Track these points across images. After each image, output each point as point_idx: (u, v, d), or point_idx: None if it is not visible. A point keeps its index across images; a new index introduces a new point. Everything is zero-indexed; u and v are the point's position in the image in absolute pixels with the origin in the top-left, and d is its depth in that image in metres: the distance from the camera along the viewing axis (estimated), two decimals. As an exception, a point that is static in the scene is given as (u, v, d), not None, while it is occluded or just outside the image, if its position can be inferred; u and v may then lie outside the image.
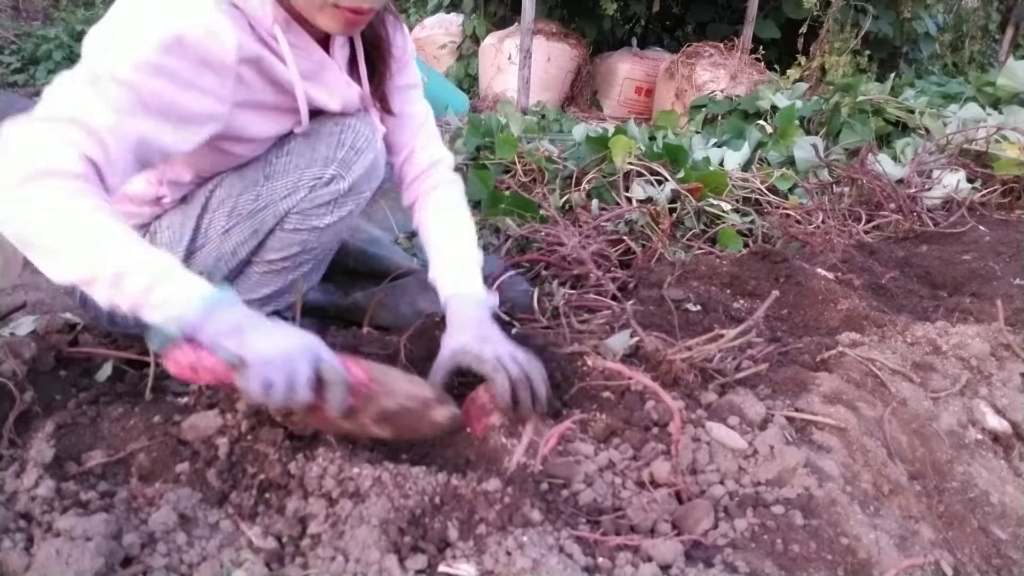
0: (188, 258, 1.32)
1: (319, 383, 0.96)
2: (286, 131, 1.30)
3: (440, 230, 1.41)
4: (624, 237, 2.26)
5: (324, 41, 1.26)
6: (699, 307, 1.72)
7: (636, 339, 1.36)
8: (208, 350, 0.96)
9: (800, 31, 6.20)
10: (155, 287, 0.95)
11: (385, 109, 1.40)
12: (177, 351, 0.98)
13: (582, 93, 6.88)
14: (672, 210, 2.45)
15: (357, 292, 1.71)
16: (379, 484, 1.01)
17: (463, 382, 1.31)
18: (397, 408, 1.03)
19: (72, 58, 5.70)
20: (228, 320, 0.97)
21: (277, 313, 1.46)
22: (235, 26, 1.09)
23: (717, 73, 5.94)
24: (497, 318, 1.64)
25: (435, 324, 1.43)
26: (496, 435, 1.13)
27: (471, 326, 1.23)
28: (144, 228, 1.34)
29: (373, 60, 1.35)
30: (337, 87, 1.30)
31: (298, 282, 1.40)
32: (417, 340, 1.40)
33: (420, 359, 1.34)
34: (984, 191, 2.96)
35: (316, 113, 1.30)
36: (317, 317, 1.65)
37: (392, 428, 1.04)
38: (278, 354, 0.94)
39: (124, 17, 1.03)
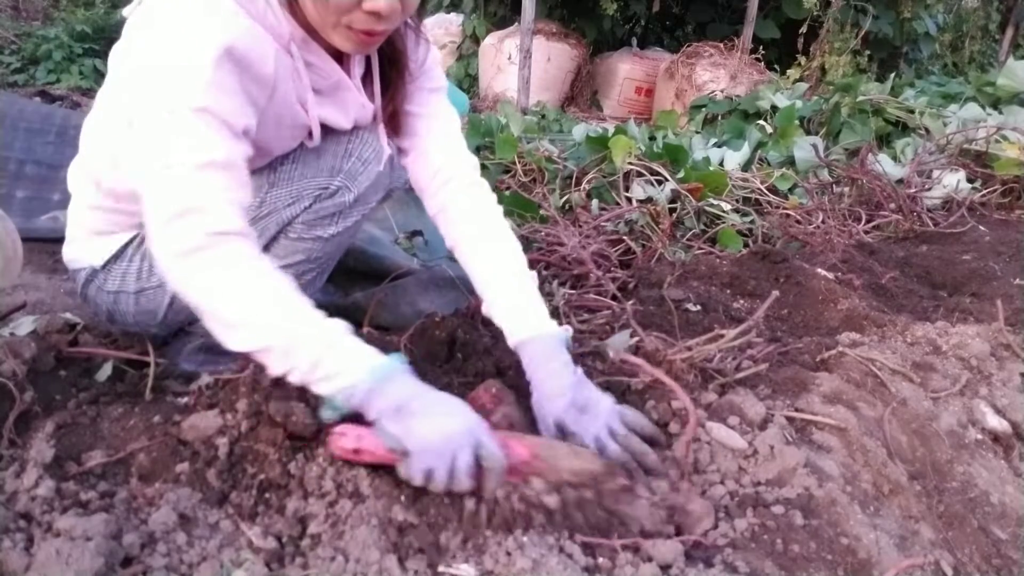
0: None
1: (478, 467, 0.96)
2: (295, 146, 1.28)
3: (486, 255, 1.31)
4: (624, 237, 2.26)
5: (341, 55, 1.21)
6: (699, 307, 1.72)
7: (636, 339, 1.36)
8: (370, 431, 0.97)
9: (800, 31, 6.21)
10: (322, 361, 0.97)
11: (394, 129, 1.35)
12: (340, 436, 0.99)
13: (582, 93, 6.89)
14: (672, 210, 2.45)
15: (357, 292, 1.71)
16: (379, 485, 1.01)
17: (463, 382, 1.31)
18: (559, 483, 1.01)
19: (72, 58, 5.69)
20: (393, 397, 0.97)
21: None
22: (269, 37, 1.08)
23: (717, 73, 5.95)
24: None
25: (435, 324, 1.43)
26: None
27: (563, 389, 1.16)
28: (139, 240, 1.31)
29: (389, 75, 1.31)
30: (351, 108, 1.27)
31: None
32: (417, 340, 1.40)
33: (420, 359, 1.34)
34: (984, 191, 2.96)
35: (326, 130, 1.27)
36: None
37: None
38: (440, 441, 0.95)
39: (166, 41, 1.01)
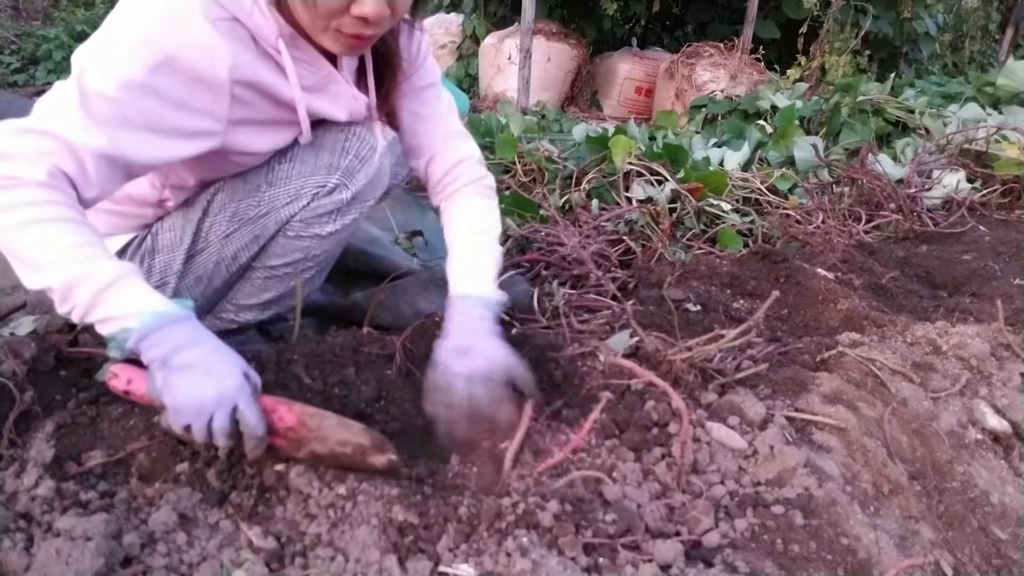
0: (188, 261, 1.31)
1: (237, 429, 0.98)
2: (288, 143, 1.28)
3: (457, 230, 1.37)
4: (624, 237, 2.26)
5: (332, 53, 1.22)
6: (699, 307, 1.72)
7: (636, 339, 1.36)
8: (142, 375, 0.99)
9: (800, 31, 6.20)
10: (99, 303, 0.96)
11: (391, 123, 1.36)
12: (113, 376, 1.01)
13: (582, 93, 6.88)
14: (672, 210, 2.45)
15: (357, 292, 1.71)
16: (379, 484, 1.01)
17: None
18: (327, 453, 1.01)
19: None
20: (165, 346, 0.97)
21: (279, 316, 1.46)
22: (230, 44, 1.06)
23: (717, 73, 5.94)
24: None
25: (435, 324, 1.43)
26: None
27: (457, 334, 1.22)
28: (146, 228, 1.33)
29: (382, 70, 1.32)
30: (344, 100, 1.28)
31: (297, 287, 1.40)
32: (417, 340, 1.39)
33: (420, 359, 1.34)
34: (984, 191, 2.96)
35: (321, 123, 1.28)
36: (317, 317, 1.65)
37: (329, 466, 1.03)
38: (194, 403, 0.95)
39: (117, 31, 1.01)
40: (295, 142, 1.28)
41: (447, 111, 1.43)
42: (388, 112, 1.35)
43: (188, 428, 0.96)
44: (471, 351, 1.18)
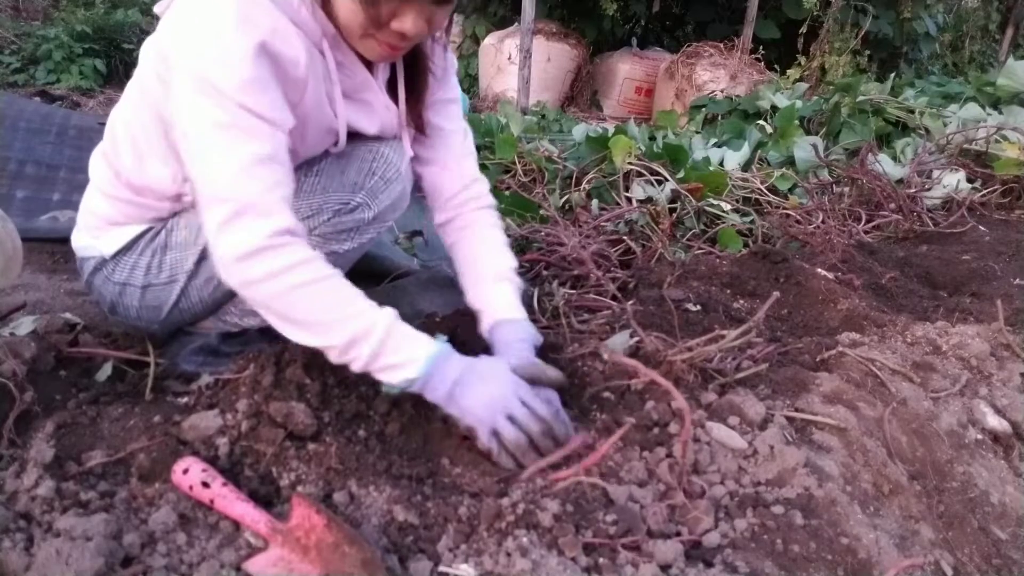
0: (200, 262, 1.28)
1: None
2: (322, 150, 1.28)
3: (491, 265, 1.38)
4: (624, 237, 2.26)
5: (367, 60, 1.25)
6: (699, 307, 1.72)
7: (636, 339, 1.36)
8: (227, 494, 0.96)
9: (800, 31, 6.21)
10: (380, 354, 1.07)
11: (420, 129, 1.38)
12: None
13: (582, 93, 6.89)
14: (672, 210, 2.45)
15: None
16: (379, 484, 1.01)
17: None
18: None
19: (72, 58, 5.68)
20: (446, 382, 1.09)
21: None
22: (298, 36, 1.11)
23: (717, 73, 5.95)
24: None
25: (435, 324, 1.43)
26: None
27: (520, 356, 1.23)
28: (161, 222, 1.31)
29: (413, 79, 1.33)
30: (376, 110, 1.30)
31: None
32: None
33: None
34: (984, 191, 2.95)
35: (352, 136, 1.29)
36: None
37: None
38: (482, 405, 1.08)
39: (205, 36, 1.04)
40: (325, 155, 1.29)
41: (466, 131, 1.46)
42: (417, 124, 1.37)
43: (496, 433, 1.08)
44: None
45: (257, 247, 1.02)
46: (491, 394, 1.09)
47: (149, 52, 1.18)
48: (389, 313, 1.09)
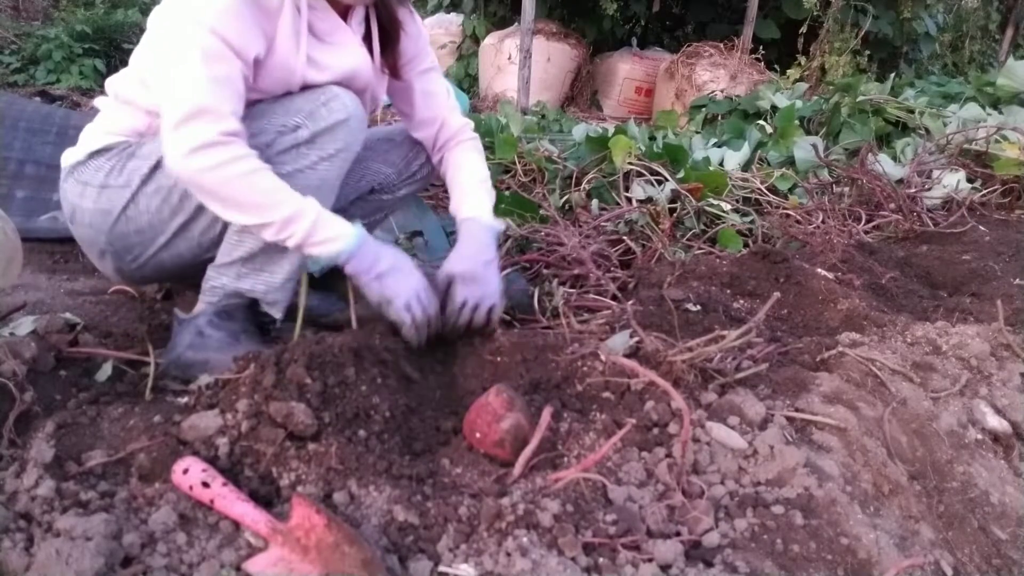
0: (155, 170, 1.38)
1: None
2: (283, 91, 1.40)
3: (463, 176, 1.65)
4: (624, 237, 2.26)
5: (343, 16, 1.44)
6: (699, 307, 1.72)
7: (636, 339, 1.36)
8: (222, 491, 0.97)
9: (800, 31, 6.20)
10: (315, 231, 1.28)
11: (394, 74, 1.58)
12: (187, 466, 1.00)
13: (582, 93, 6.88)
14: (672, 210, 2.45)
15: (356, 305, 1.69)
16: (379, 484, 1.01)
17: (464, 381, 1.31)
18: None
19: (72, 58, 5.68)
20: (366, 259, 1.34)
21: (265, 313, 1.48)
22: None
23: (717, 73, 5.94)
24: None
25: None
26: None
27: (470, 258, 1.50)
28: (138, 137, 1.44)
29: (387, 32, 1.52)
30: (350, 50, 1.45)
31: (304, 279, 1.43)
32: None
33: (420, 358, 1.34)
34: (984, 191, 2.95)
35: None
36: (315, 327, 1.63)
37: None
38: (406, 292, 1.35)
39: None
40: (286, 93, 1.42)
41: (447, 89, 1.71)
42: (392, 70, 1.57)
43: (409, 307, 1.34)
44: (477, 280, 1.46)
45: (208, 141, 1.21)
46: (411, 283, 1.37)
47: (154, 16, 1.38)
48: (313, 200, 1.29)
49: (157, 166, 1.37)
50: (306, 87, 1.41)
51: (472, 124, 1.73)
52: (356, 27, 1.48)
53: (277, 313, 1.46)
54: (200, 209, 1.38)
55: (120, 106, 1.45)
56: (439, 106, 1.68)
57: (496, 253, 1.54)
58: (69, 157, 1.48)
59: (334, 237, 1.30)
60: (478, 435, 1.15)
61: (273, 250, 1.38)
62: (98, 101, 1.50)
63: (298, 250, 1.30)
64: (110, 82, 1.48)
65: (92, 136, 1.46)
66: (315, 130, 1.36)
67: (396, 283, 1.35)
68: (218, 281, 1.43)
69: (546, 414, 1.17)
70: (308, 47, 1.38)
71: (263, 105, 1.38)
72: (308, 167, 1.38)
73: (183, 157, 1.22)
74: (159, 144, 1.33)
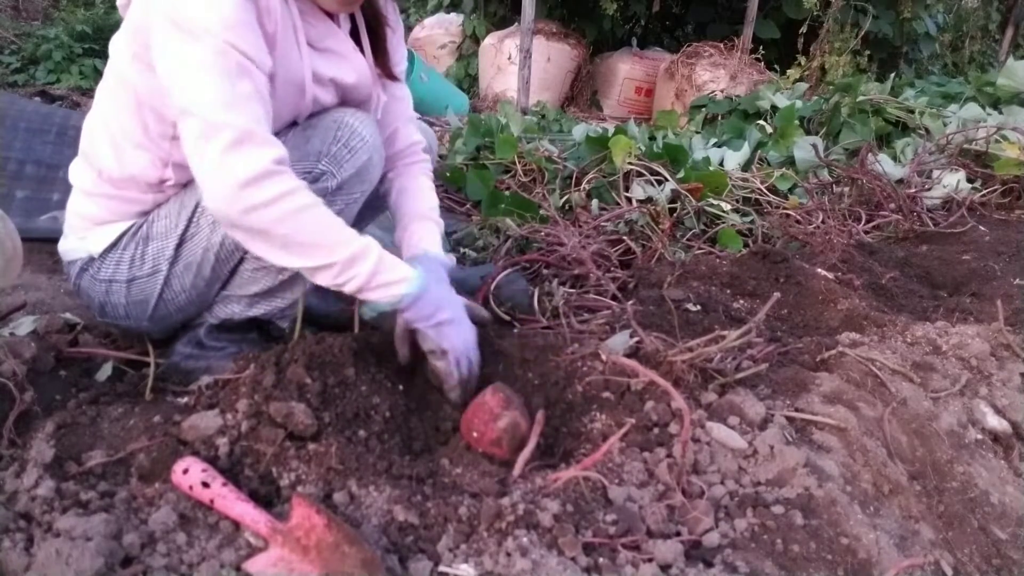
0: (180, 247, 1.29)
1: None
2: (291, 107, 1.28)
3: (412, 205, 1.49)
4: (624, 237, 2.26)
5: (329, 16, 1.32)
6: (699, 307, 1.72)
7: (636, 339, 1.36)
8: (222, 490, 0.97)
9: (800, 31, 6.20)
10: (378, 273, 1.16)
11: (389, 76, 1.47)
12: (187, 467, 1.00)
13: (582, 93, 6.88)
14: (672, 210, 2.45)
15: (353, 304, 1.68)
16: (379, 484, 1.01)
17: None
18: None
19: (72, 58, 5.68)
20: (429, 305, 1.23)
21: (270, 322, 1.42)
22: None
23: (717, 73, 5.94)
24: (497, 318, 1.65)
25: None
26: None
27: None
28: (143, 216, 1.31)
29: (374, 32, 1.42)
30: (347, 56, 1.35)
31: (299, 299, 1.39)
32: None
33: (420, 359, 1.34)
34: (984, 191, 2.96)
35: (319, 112, 1.31)
36: (315, 326, 1.63)
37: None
38: (464, 347, 1.25)
39: None
40: (292, 126, 1.30)
41: (408, 96, 1.58)
42: (385, 72, 1.46)
43: (458, 363, 1.24)
44: (450, 322, 1.29)
45: (263, 171, 1.06)
46: (467, 337, 1.27)
47: (119, 41, 1.22)
48: (372, 240, 1.18)
49: (181, 242, 1.29)
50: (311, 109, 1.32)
51: (424, 143, 1.59)
52: (344, 25, 1.37)
53: (283, 323, 1.44)
54: (235, 270, 1.33)
55: (103, 184, 1.30)
56: (398, 114, 1.53)
57: (451, 290, 1.35)
58: (71, 251, 1.36)
59: (397, 280, 1.18)
60: (475, 434, 1.15)
61: (287, 280, 1.33)
62: (73, 176, 1.36)
63: (357, 293, 1.17)
64: (80, 159, 1.34)
65: (90, 232, 1.33)
66: (343, 179, 1.29)
67: (454, 335, 1.24)
68: (226, 311, 1.37)
69: (540, 416, 1.18)
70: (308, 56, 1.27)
71: None
72: (336, 213, 1.29)
73: (234, 193, 1.06)
74: (172, 215, 1.29)
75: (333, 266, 1.13)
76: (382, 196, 1.53)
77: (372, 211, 1.58)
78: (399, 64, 1.51)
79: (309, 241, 1.12)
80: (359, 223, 1.52)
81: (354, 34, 1.41)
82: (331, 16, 1.33)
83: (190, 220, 1.29)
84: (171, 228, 1.29)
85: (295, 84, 1.26)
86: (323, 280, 1.15)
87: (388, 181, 1.52)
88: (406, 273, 1.20)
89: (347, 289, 1.16)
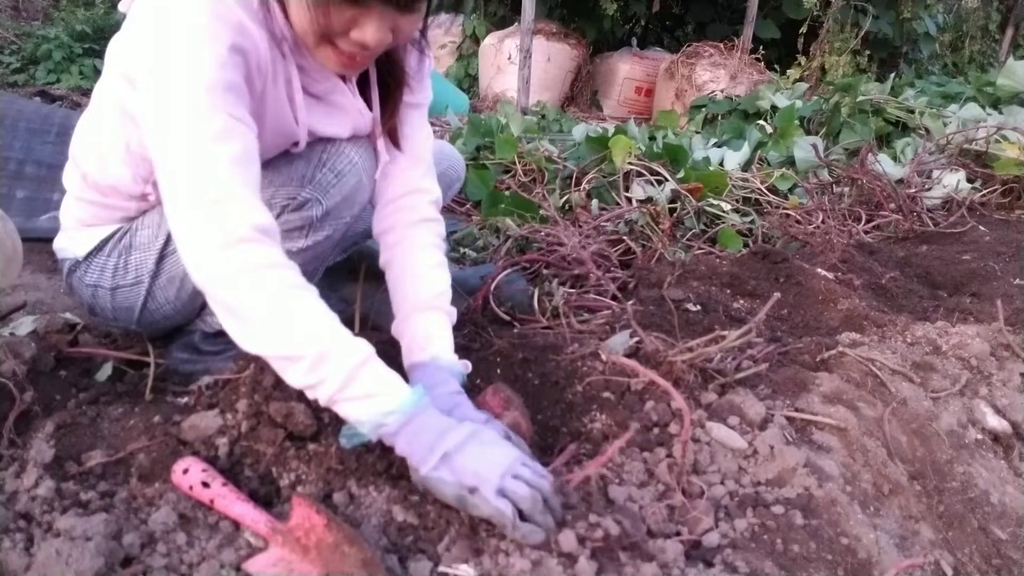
0: (161, 260, 1.26)
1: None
2: (282, 150, 1.22)
3: (416, 287, 1.25)
4: (624, 237, 2.26)
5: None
6: (699, 307, 1.72)
7: (636, 339, 1.36)
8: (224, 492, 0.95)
9: (800, 31, 6.21)
10: (355, 379, 0.94)
11: (393, 140, 1.29)
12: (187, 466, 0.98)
13: (582, 93, 6.88)
14: (672, 210, 2.46)
15: (349, 289, 1.69)
16: (379, 485, 1.01)
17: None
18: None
19: (72, 58, 5.68)
20: (429, 433, 0.95)
21: None
22: (260, 33, 1.04)
23: (717, 73, 5.95)
24: (496, 317, 1.65)
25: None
26: None
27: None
28: (129, 222, 1.30)
29: (388, 85, 1.25)
30: (348, 113, 1.23)
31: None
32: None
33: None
34: (984, 191, 2.96)
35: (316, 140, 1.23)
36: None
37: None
38: (496, 468, 0.93)
39: (176, 35, 0.97)
40: (283, 153, 1.23)
41: (426, 139, 1.35)
42: (391, 129, 1.28)
43: (503, 493, 0.91)
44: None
45: (240, 237, 0.93)
46: (496, 457, 0.94)
47: (115, 51, 1.15)
48: (365, 343, 0.97)
49: (162, 256, 1.24)
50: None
51: (438, 200, 1.34)
52: (352, 77, 1.23)
53: None
54: None
55: (88, 190, 1.27)
56: (409, 152, 1.31)
57: (468, 406, 1.10)
58: (62, 250, 1.35)
59: (379, 393, 0.95)
60: None
61: None
62: (65, 177, 1.33)
63: (329, 405, 0.96)
64: (70, 161, 1.31)
65: (77, 232, 1.31)
66: (329, 206, 1.21)
67: (475, 461, 0.93)
68: (209, 320, 1.34)
69: (525, 419, 1.13)
70: (305, 109, 1.17)
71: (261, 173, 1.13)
72: (321, 240, 1.25)
73: (209, 255, 0.95)
74: (153, 226, 1.24)
75: (300, 360, 0.93)
76: (380, 267, 1.31)
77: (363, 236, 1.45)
78: (410, 138, 1.32)
79: (276, 323, 0.93)
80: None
81: (364, 84, 1.26)
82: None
83: (169, 235, 1.22)
84: (151, 239, 1.26)
85: (285, 135, 1.18)
86: (292, 379, 0.96)
87: (387, 249, 1.29)
88: (394, 386, 0.96)
89: (318, 396, 0.95)
